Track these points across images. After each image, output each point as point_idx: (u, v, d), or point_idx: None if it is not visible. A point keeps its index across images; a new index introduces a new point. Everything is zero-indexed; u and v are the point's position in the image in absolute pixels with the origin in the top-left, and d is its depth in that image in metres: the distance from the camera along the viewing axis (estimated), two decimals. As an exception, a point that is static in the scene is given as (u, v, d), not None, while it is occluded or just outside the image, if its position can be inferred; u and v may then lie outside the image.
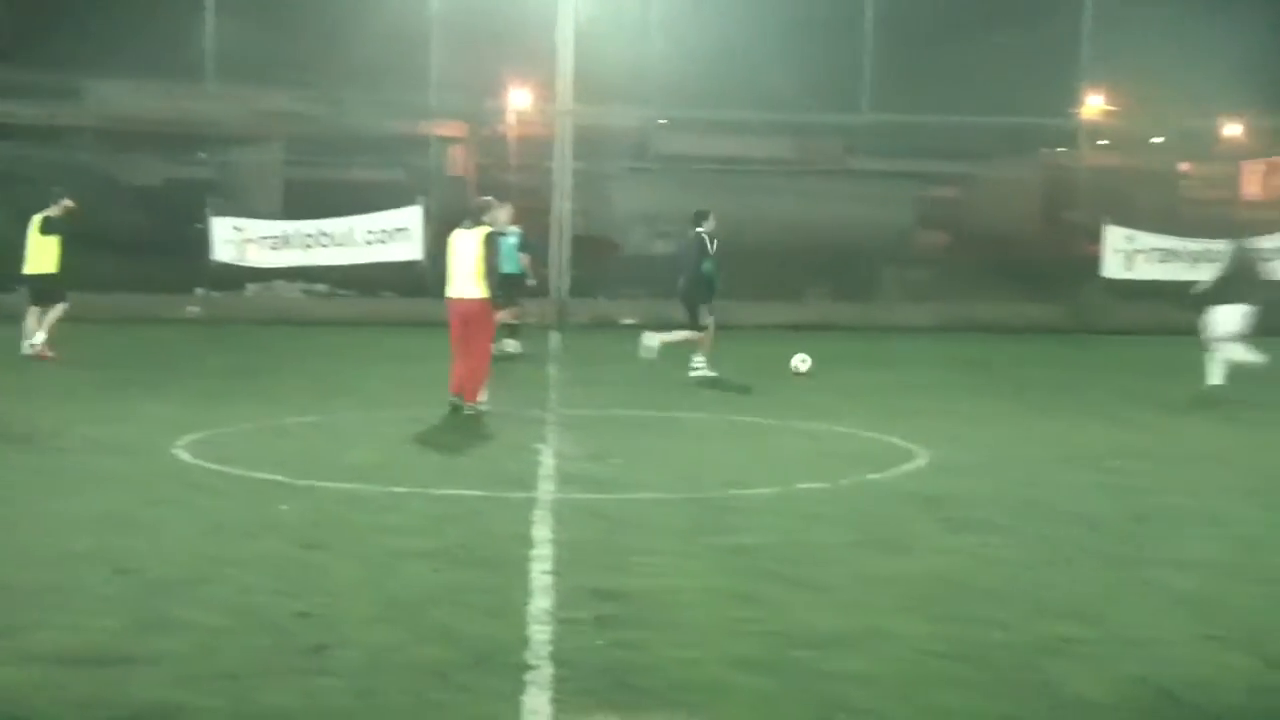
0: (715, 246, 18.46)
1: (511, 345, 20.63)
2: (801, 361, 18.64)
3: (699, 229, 18.66)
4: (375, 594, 7.78)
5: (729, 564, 8.61)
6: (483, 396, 14.80)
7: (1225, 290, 17.22)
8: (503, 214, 18.65)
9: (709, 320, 18.51)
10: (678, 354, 18.61)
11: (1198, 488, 11.47)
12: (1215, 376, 17.07)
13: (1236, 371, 16.75)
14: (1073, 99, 29.69)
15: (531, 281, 21.37)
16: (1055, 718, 6.04)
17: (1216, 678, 6.63)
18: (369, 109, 34.19)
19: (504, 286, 19.46)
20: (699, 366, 18.48)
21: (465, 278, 14.54)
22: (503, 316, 18.92)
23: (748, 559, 8.72)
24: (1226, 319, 17.12)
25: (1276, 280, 17.84)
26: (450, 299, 14.70)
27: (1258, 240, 17.89)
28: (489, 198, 15.46)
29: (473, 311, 14.53)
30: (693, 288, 18.53)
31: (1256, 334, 17.09)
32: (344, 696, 6.14)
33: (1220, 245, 26.41)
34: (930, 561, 8.75)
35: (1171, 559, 8.94)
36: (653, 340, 18.89)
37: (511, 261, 20.26)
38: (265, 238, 26.05)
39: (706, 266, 18.50)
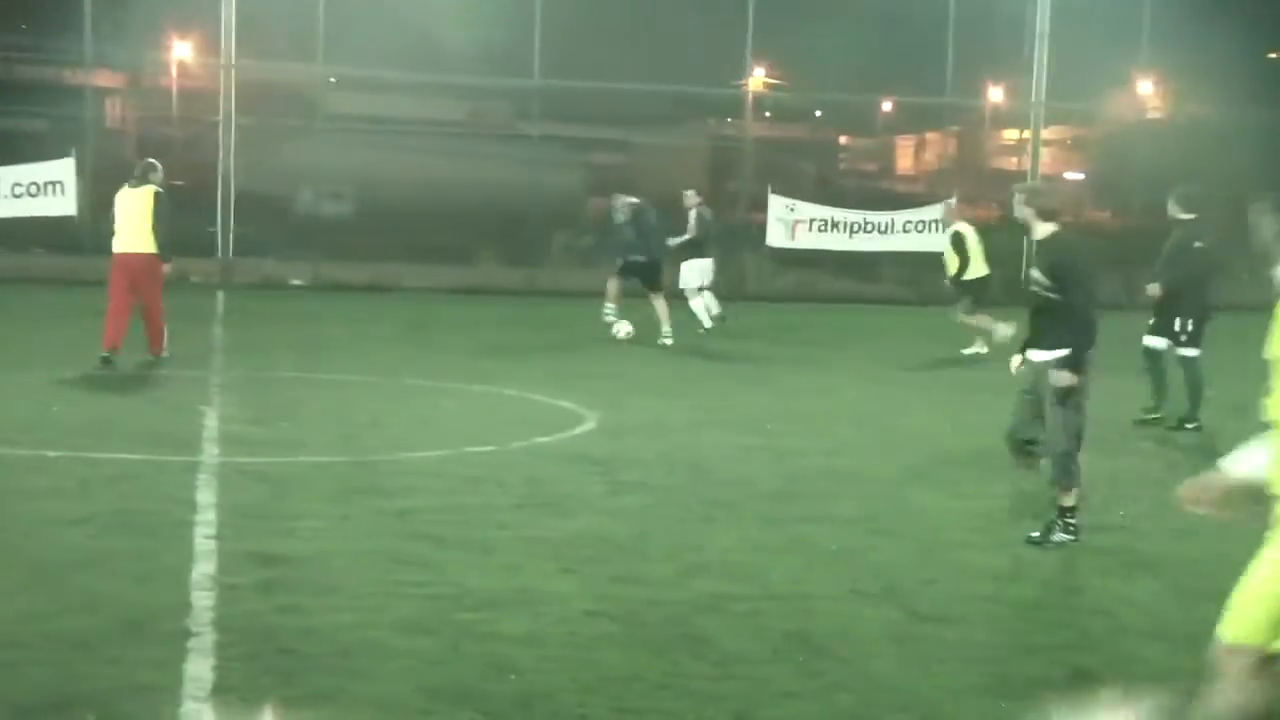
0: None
1: None
2: (621, 326, 18.56)
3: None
4: (18, 562, 7.47)
5: (392, 527, 8.60)
6: (165, 347, 15.22)
7: (691, 247, 19.79)
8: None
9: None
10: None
11: (842, 448, 11.99)
12: (705, 323, 19.60)
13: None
14: (740, 71, 30.42)
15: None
16: (713, 673, 6.24)
17: (864, 630, 6.96)
18: (17, 55, 32.53)
19: None
20: (610, 316, 18.84)
21: (132, 233, 14.96)
22: None
23: (411, 522, 8.72)
24: (691, 273, 19.70)
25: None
26: (117, 253, 15.09)
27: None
28: (151, 160, 15.65)
29: (140, 265, 14.96)
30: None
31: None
32: (-17, 671, 5.89)
33: (875, 216, 27.67)
34: (592, 523, 8.91)
35: (819, 517, 9.33)
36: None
37: None
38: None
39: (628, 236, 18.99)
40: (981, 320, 18.34)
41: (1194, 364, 13.34)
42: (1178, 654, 6.81)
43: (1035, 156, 29.95)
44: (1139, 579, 8.15)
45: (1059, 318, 8.58)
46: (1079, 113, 33.19)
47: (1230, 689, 4.63)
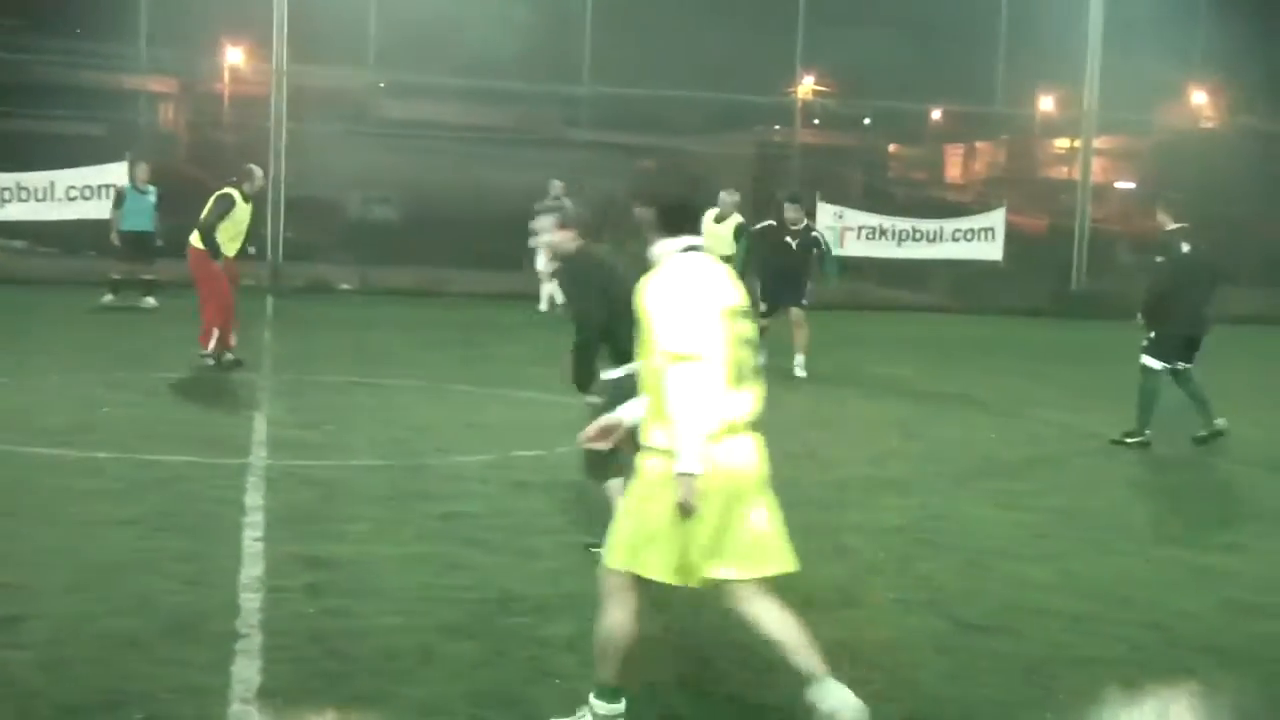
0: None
1: (149, 302, 21.02)
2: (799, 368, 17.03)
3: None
4: (68, 562, 7.52)
5: (439, 531, 8.61)
6: (209, 348, 14.96)
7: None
8: (140, 171, 21.27)
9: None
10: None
11: (887, 457, 11.94)
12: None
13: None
14: (789, 78, 30.37)
15: (160, 243, 21.13)
16: (757, 682, 6.19)
17: (910, 640, 6.92)
18: (72, 59, 32.74)
19: (134, 243, 20.93)
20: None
21: (195, 230, 15.11)
22: (135, 271, 21.00)
23: (458, 526, 8.73)
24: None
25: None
26: None
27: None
28: (251, 166, 15.55)
29: (190, 259, 15.08)
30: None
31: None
32: (32, 670, 5.92)
33: (924, 224, 27.61)
34: (640, 529, 8.86)
35: (863, 526, 9.29)
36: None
37: (145, 219, 21.09)
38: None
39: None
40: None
41: (1150, 375, 12.72)
42: (1231, 669, 6.74)
43: (1086, 166, 29.76)
44: (1194, 592, 8.06)
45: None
46: (1131, 122, 32.94)
47: (611, 606, 5.41)
